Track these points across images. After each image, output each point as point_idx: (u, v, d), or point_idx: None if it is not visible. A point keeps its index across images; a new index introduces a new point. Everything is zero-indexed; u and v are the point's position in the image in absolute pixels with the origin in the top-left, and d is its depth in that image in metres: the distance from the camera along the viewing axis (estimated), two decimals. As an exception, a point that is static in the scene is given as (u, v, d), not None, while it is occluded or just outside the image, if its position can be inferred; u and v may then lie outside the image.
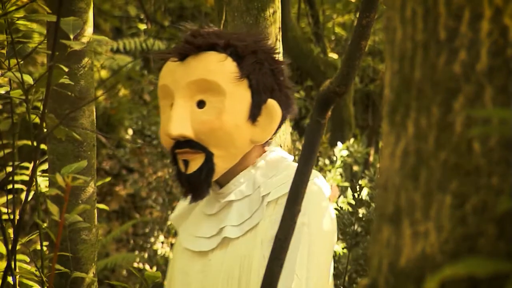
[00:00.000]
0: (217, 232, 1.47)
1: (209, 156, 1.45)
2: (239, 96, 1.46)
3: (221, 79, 1.45)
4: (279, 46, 2.11)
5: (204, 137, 1.44)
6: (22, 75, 1.11)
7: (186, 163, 1.46)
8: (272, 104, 1.50)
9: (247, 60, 1.47)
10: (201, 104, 1.45)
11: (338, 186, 3.49)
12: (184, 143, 1.44)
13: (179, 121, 1.43)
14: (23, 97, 1.33)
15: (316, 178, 1.47)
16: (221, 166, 1.47)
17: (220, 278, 1.44)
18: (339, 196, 3.45)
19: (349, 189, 3.43)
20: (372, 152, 4.77)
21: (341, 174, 3.58)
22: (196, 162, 1.45)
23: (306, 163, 1.53)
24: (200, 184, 1.45)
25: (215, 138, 1.44)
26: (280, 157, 1.52)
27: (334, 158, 3.60)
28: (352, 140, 3.74)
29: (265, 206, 1.45)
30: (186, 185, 1.46)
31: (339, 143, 3.65)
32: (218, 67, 1.46)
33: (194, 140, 1.44)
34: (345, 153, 3.61)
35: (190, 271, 1.48)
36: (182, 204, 1.58)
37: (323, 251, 1.44)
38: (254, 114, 1.48)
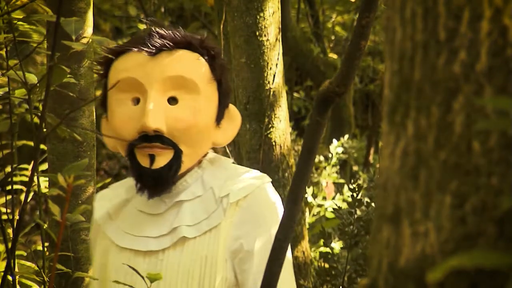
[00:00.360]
0: (169, 231, 1.45)
1: (178, 153, 1.44)
2: (211, 97, 1.48)
3: (197, 78, 1.46)
4: (279, 46, 2.11)
5: (178, 133, 1.43)
6: (24, 74, 1.11)
7: (152, 158, 1.43)
8: (234, 109, 1.54)
9: (217, 63, 1.50)
10: (172, 100, 1.45)
11: (333, 183, 3.49)
12: (154, 138, 1.42)
13: (156, 114, 1.41)
14: (26, 97, 1.33)
15: (270, 184, 1.51)
16: (185, 165, 1.46)
17: (179, 278, 1.43)
18: (335, 194, 3.45)
19: (345, 186, 3.43)
20: (372, 151, 4.77)
21: (336, 172, 3.58)
22: (164, 158, 1.43)
23: (306, 163, 1.53)
24: (166, 180, 1.44)
25: (188, 136, 1.44)
26: (221, 158, 1.54)
27: (330, 155, 3.59)
28: (346, 136, 3.74)
29: (226, 207, 1.45)
30: (150, 180, 1.43)
31: (334, 140, 3.65)
32: (195, 65, 1.47)
33: (165, 135, 1.43)
34: (340, 150, 3.61)
35: (134, 271, 1.44)
36: (106, 203, 1.53)
37: (289, 255, 1.51)
38: (219, 116, 1.50)
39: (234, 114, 1.54)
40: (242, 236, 1.45)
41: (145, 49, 1.45)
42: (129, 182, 1.53)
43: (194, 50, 1.48)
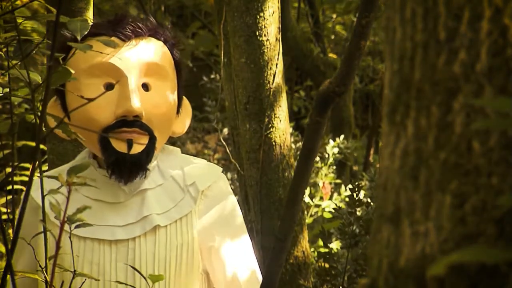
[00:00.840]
0: (137, 220, 1.44)
1: (153, 140, 1.44)
2: (174, 85, 1.50)
3: (167, 66, 1.48)
4: (279, 46, 2.11)
5: (155, 119, 1.43)
6: (29, 74, 1.10)
7: (129, 143, 1.41)
8: (186, 100, 1.57)
9: (176, 53, 1.52)
10: (145, 87, 1.45)
11: (330, 183, 3.49)
12: (133, 123, 1.41)
13: (138, 98, 1.41)
14: (29, 97, 1.33)
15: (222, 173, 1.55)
16: (156, 152, 1.47)
17: (155, 267, 1.43)
18: (332, 194, 3.45)
19: (342, 186, 3.43)
20: (372, 151, 4.77)
21: (333, 172, 3.57)
22: (140, 144, 1.42)
23: (306, 163, 1.53)
24: (143, 166, 1.43)
25: (162, 122, 1.45)
26: (168, 146, 1.56)
27: (326, 156, 3.59)
28: (342, 137, 3.73)
29: (196, 196, 1.48)
30: (127, 166, 1.41)
31: (330, 140, 3.65)
32: (164, 53, 1.48)
33: (142, 121, 1.42)
34: (336, 150, 3.61)
35: (100, 261, 1.43)
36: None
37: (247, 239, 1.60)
38: (179, 106, 1.53)
39: (187, 105, 1.56)
40: (212, 227, 1.49)
41: (120, 34, 1.44)
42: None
43: (158, 38, 1.49)
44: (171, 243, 1.45)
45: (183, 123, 1.55)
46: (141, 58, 1.44)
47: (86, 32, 1.09)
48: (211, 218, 1.49)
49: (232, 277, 1.49)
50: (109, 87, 1.43)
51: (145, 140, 1.42)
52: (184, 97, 1.55)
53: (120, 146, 1.41)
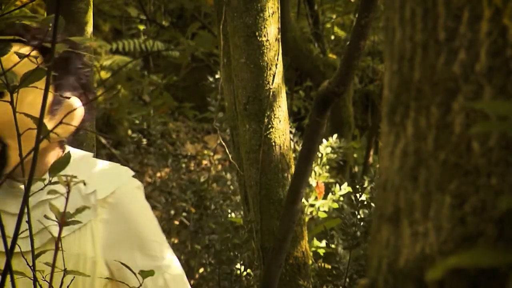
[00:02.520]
0: (37, 232, 1.39)
1: (4, 148, 1.39)
2: (41, 89, 1.44)
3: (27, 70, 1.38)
4: (279, 47, 2.11)
5: (5, 127, 1.38)
6: (6, 75, 1.11)
7: None
8: (71, 101, 1.47)
9: (55, 54, 1.47)
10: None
11: (323, 183, 3.49)
12: None
13: None
14: (8, 100, 1.32)
15: (134, 177, 1.48)
16: (14, 160, 1.40)
17: (54, 278, 1.38)
18: (326, 193, 3.45)
19: (336, 185, 3.43)
20: (371, 152, 4.77)
21: (326, 171, 3.57)
22: None
23: (305, 163, 1.54)
24: None
25: (15, 129, 1.32)
26: (77, 153, 1.49)
27: (320, 155, 3.58)
28: (335, 136, 3.73)
29: (96, 204, 1.42)
30: None
31: (324, 140, 3.64)
32: (27, 59, 1.34)
33: None
34: (329, 150, 3.60)
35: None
36: None
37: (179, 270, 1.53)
38: (54, 107, 1.45)
39: (68, 106, 1.47)
40: (116, 241, 1.44)
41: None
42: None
43: (26, 43, 1.43)
44: (69, 254, 1.40)
45: (62, 124, 1.42)
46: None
47: (61, 30, 1.07)
48: (114, 231, 1.44)
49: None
50: None
51: None
52: (68, 98, 1.45)
53: None
